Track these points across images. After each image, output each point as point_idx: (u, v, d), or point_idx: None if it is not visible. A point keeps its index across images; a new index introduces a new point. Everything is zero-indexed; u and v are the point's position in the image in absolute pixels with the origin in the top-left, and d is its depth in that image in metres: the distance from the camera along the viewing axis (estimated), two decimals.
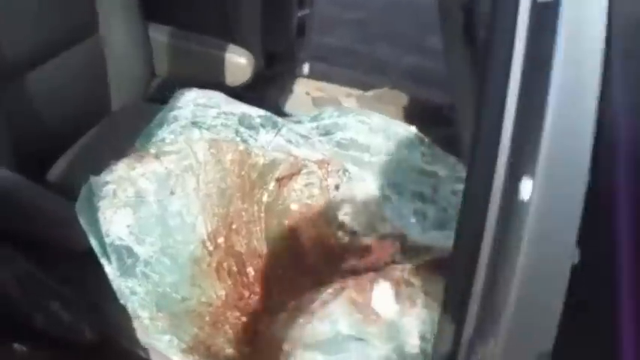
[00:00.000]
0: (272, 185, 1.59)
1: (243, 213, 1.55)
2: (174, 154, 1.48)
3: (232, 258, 1.51)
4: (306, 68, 2.80)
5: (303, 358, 1.32)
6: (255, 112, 1.76)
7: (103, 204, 1.40)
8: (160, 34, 2.05)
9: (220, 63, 2.00)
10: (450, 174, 1.90)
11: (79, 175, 1.49)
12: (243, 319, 1.44)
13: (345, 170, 1.70)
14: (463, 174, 1.93)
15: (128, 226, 1.41)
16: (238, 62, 2.03)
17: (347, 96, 2.83)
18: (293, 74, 2.74)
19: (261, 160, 1.56)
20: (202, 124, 1.65)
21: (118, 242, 1.38)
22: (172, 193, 1.45)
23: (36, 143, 1.72)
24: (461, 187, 1.86)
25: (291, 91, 2.60)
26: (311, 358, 1.31)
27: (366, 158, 1.85)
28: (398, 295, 1.38)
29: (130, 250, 1.39)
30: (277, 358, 1.32)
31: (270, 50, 2.55)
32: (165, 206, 1.44)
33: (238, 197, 1.54)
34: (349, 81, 2.88)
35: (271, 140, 1.69)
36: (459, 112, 2.36)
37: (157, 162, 1.45)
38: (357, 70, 3.17)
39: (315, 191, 1.63)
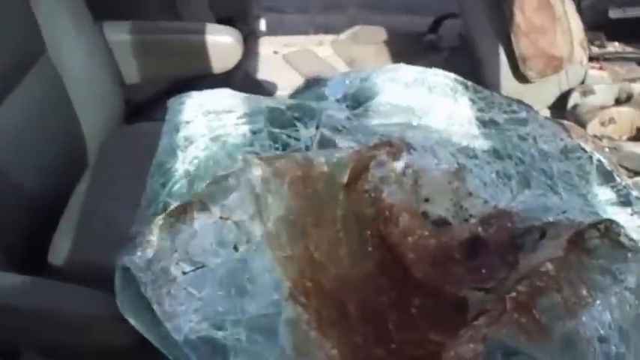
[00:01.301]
0: (341, 194, 1.23)
1: (321, 241, 1.18)
2: (221, 193, 1.08)
3: (327, 301, 1.15)
4: (263, 25, 2.43)
5: None
6: (278, 103, 1.38)
7: (152, 291, 1.01)
8: (117, 33, 1.60)
9: (203, 49, 1.58)
10: (508, 117, 1.59)
11: (91, 252, 1.21)
12: None
13: (410, 146, 1.35)
14: (521, 114, 1.65)
15: (196, 311, 1.02)
16: (225, 43, 1.62)
17: (319, 44, 2.53)
18: (254, 35, 2.35)
19: (324, 168, 1.18)
20: (227, 137, 1.26)
21: (192, 337, 1.01)
22: (236, 249, 1.06)
23: (15, 215, 1.28)
24: (526, 130, 1.57)
25: (257, 54, 2.20)
26: None
27: (414, 122, 1.51)
28: (565, 299, 1.06)
29: (212, 343, 1.01)
30: None
31: (223, 17, 2.16)
32: (234, 269, 1.06)
33: (310, 224, 1.17)
34: (310, 26, 2.59)
35: (314, 134, 1.31)
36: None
37: (204, 214, 1.05)
38: (313, 12, 2.80)
39: (393, 185, 1.28)
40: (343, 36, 2.57)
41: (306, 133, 1.31)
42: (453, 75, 1.63)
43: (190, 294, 1.03)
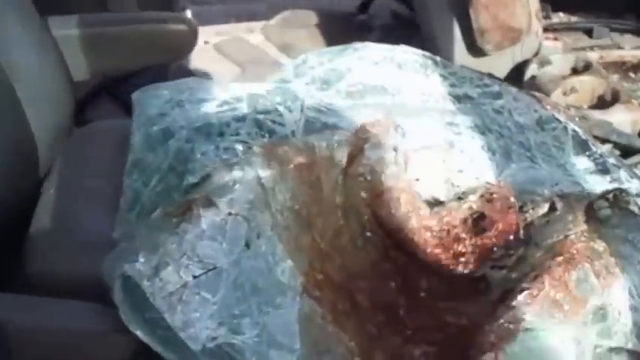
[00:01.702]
0: (340, 179, 1.16)
1: (325, 230, 1.11)
2: (227, 186, 0.99)
3: (339, 293, 1.08)
4: (189, 15, 2.32)
5: None
6: (257, 88, 1.29)
7: (161, 300, 0.91)
8: (64, 29, 1.45)
9: (158, 39, 1.46)
10: (481, 91, 1.56)
11: (71, 260, 1.09)
12: None
13: (398, 126, 1.29)
14: (493, 88, 1.62)
15: (212, 316, 0.93)
16: (179, 30, 1.50)
17: (250, 32, 2.43)
18: None
19: (326, 153, 1.11)
20: (210, 128, 1.17)
21: (210, 345, 0.91)
22: (248, 245, 0.97)
23: None
24: (501, 103, 1.54)
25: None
26: None
27: (388, 101, 1.46)
28: (596, 272, 1.04)
29: (231, 349, 0.92)
30: None
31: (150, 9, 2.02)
32: (247, 268, 0.97)
33: (314, 213, 1.10)
34: (231, 16, 2.49)
35: (299, 118, 1.23)
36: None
37: (211, 210, 0.96)
38: (233, 1, 2.71)
39: (390, 167, 1.21)
40: (273, 21, 2.49)
41: (291, 117, 1.23)
42: (420, 51, 1.58)
43: (204, 299, 0.94)
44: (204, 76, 2.16)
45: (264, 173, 1.02)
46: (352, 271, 1.12)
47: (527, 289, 1.00)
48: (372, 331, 1.08)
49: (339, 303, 1.06)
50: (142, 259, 0.93)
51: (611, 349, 1.05)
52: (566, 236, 1.07)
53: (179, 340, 0.92)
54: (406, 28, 2.30)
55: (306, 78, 1.46)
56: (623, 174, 1.44)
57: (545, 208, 1.19)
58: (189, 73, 2.04)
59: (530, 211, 1.20)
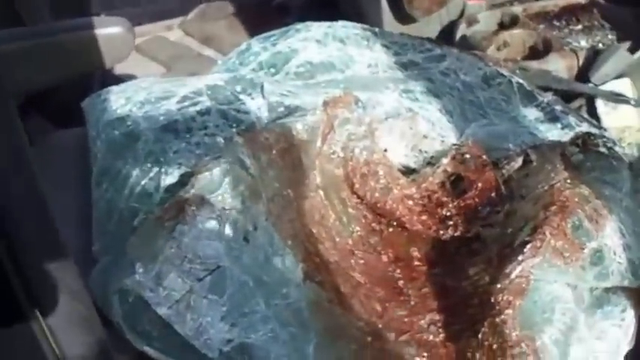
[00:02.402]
0: (317, 160, 1.13)
1: (312, 212, 1.09)
2: (215, 181, 0.95)
3: (338, 274, 1.06)
4: None
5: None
6: (214, 79, 1.25)
7: (168, 309, 0.87)
8: None
9: (95, 44, 1.38)
10: (424, 56, 1.56)
11: None
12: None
13: (358, 99, 1.27)
14: (436, 51, 1.61)
15: (223, 318, 0.89)
16: (116, 34, 1.42)
17: (168, 29, 2.35)
18: None
19: (303, 135, 1.08)
20: (176, 125, 1.12)
21: (226, 349, 0.88)
22: (246, 240, 0.94)
23: None
24: (446, 64, 1.55)
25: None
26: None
27: (339, 76, 1.44)
28: (589, 216, 1.05)
29: (248, 349, 0.88)
30: None
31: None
32: (250, 263, 0.93)
33: (300, 196, 1.07)
34: (144, 16, 2.41)
35: (262, 104, 1.20)
36: None
37: (205, 208, 0.92)
38: (143, 3, 2.61)
39: (363, 141, 1.20)
40: (191, 16, 2.42)
41: (254, 104, 1.19)
42: (359, 24, 1.57)
43: (212, 301, 0.90)
44: (131, 79, 2.07)
45: (251, 161, 0.98)
46: (343, 250, 1.10)
47: (530, 242, 1.00)
48: (377, 308, 1.06)
49: (340, 285, 1.03)
50: (140, 270, 0.88)
51: (608, 289, 1.08)
52: (552, 185, 1.08)
53: (190, 348, 0.87)
54: (324, 7, 2.27)
55: (253, 64, 1.42)
56: (572, 119, 1.47)
57: (520, 161, 1.20)
58: (117, 79, 1.95)
59: (506, 166, 1.21)
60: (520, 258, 0.98)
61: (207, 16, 2.40)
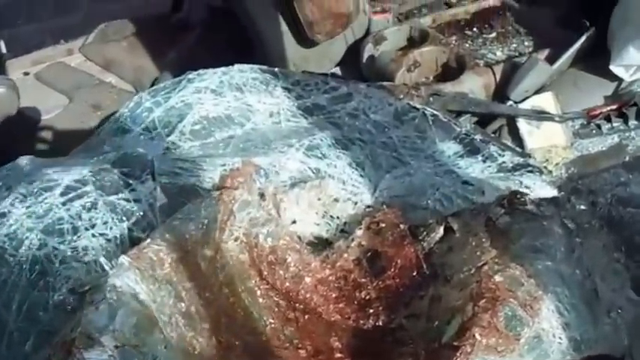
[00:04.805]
0: (218, 255, 1.05)
1: (219, 318, 1.01)
2: (108, 319, 0.86)
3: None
4: (2, 46, 2.09)
5: None
6: (100, 162, 1.15)
7: None
8: None
9: None
10: (330, 97, 1.49)
11: None
12: None
13: (259, 168, 1.19)
14: (342, 89, 1.52)
15: None
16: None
17: (69, 54, 2.23)
18: None
19: (198, 235, 0.99)
20: (62, 224, 1.02)
21: None
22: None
23: None
24: (353, 105, 1.46)
25: (12, 83, 1.85)
26: None
27: (238, 131, 1.36)
28: (521, 303, 0.99)
29: None
30: None
31: None
32: None
33: (203, 304, 0.99)
34: (46, 33, 2.27)
35: (153, 188, 1.11)
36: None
37: (94, 350, 0.83)
38: (45, 17, 2.46)
39: (267, 226, 1.12)
40: (91, 38, 2.29)
41: (144, 189, 1.10)
42: (257, 67, 1.48)
43: None
44: (32, 112, 1.95)
45: (140, 288, 0.89)
46: (259, 351, 1.02)
47: (459, 347, 0.93)
48: None
49: None
50: None
51: None
52: (479, 268, 1.02)
53: None
54: (226, 21, 2.18)
55: (146, 122, 1.32)
56: (493, 148, 1.42)
57: (441, 231, 1.13)
58: (19, 113, 1.82)
59: (426, 237, 1.14)
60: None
61: (107, 38, 2.28)
